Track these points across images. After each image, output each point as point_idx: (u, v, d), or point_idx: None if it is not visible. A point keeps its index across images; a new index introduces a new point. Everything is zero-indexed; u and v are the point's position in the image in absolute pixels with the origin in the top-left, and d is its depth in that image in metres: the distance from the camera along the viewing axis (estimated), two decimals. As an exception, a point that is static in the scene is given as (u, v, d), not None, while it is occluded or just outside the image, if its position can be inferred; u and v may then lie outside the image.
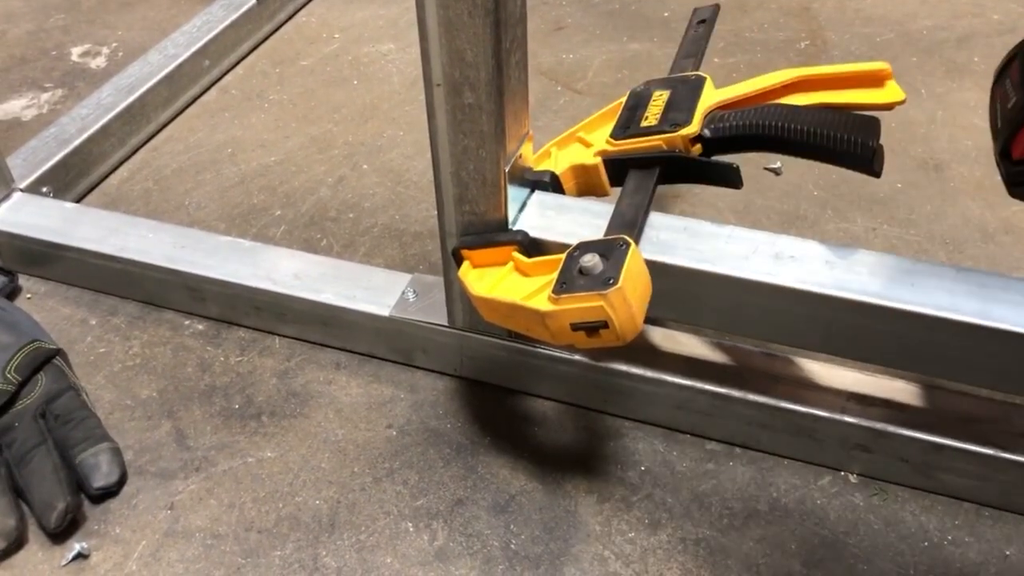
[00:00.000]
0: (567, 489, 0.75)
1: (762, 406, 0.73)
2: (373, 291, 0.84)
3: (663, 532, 0.71)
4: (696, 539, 0.71)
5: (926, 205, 1.02)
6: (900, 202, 1.03)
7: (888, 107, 0.71)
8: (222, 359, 0.87)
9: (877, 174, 0.66)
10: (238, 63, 1.33)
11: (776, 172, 1.07)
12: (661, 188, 0.73)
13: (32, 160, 1.02)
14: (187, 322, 0.91)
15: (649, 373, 0.75)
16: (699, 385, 0.74)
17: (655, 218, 0.70)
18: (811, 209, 1.02)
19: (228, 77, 1.30)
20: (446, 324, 0.80)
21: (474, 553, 0.71)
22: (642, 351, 0.77)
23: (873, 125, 0.66)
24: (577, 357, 0.77)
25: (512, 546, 0.71)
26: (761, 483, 0.74)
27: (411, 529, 0.72)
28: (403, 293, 0.84)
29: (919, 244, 0.97)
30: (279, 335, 0.89)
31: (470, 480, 0.76)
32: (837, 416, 0.72)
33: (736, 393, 0.73)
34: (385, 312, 0.82)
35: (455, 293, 0.77)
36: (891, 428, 0.71)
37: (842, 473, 0.75)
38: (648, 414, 0.78)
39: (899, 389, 0.73)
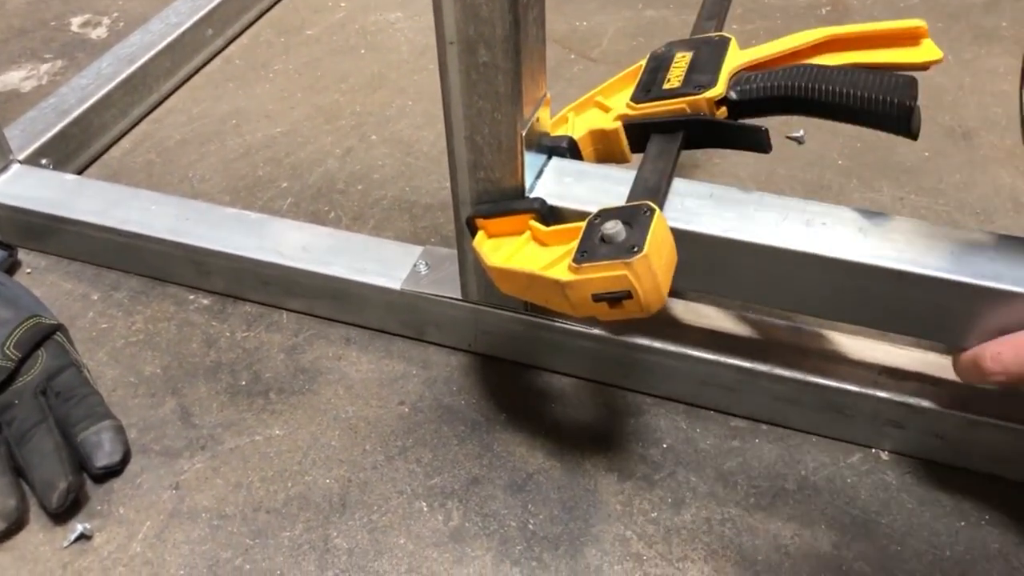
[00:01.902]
0: (586, 467, 0.72)
1: (789, 381, 0.70)
2: (384, 264, 0.81)
3: (687, 512, 0.69)
4: (722, 519, 0.68)
5: (955, 174, 0.98)
6: (928, 171, 0.99)
7: (924, 67, 0.68)
8: (228, 334, 0.84)
9: (915, 136, 0.63)
10: (242, 32, 1.29)
11: (799, 141, 1.03)
12: (681, 157, 0.69)
13: (31, 131, 0.99)
14: (191, 297, 0.88)
15: (671, 347, 0.72)
16: (724, 359, 0.71)
17: (679, 184, 0.67)
18: (836, 178, 0.98)
19: (232, 47, 1.27)
20: (459, 297, 0.78)
21: (491, 534, 0.68)
22: (664, 324, 0.74)
23: (910, 85, 0.63)
24: (596, 331, 0.74)
25: (530, 526, 0.68)
26: (789, 461, 0.72)
27: (425, 509, 0.70)
28: (415, 266, 0.81)
29: (948, 214, 0.94)
30: (287, 310, 0.86)
31: (486, 458, 0.73)
32: (868, 391, 0.69)
33: (762, 367, 0.70)
34: (396, 285, 0.79)
35: (469, 265, 0.74)
36: (925, 403, 0.68)
37: (873, 450, 0.72)
38: (670, 390, 0.75)
39: (934, 363, 0.70)
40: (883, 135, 0.65)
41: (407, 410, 0.77)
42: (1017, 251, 0.60)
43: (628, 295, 0.57)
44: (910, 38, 0.69)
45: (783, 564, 0.65)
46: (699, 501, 0.69)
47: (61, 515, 0.70)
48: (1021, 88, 0.59)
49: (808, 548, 0.66)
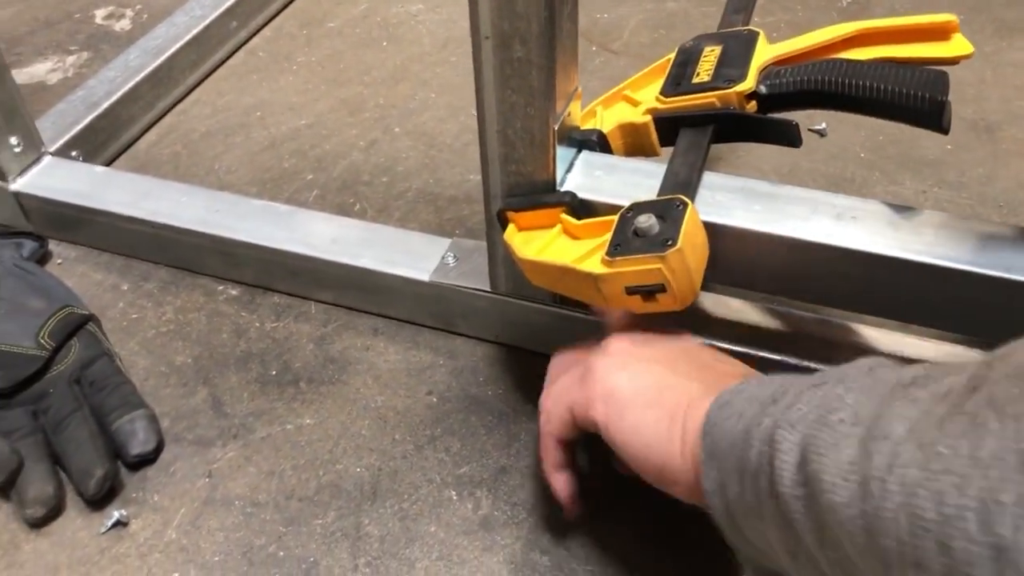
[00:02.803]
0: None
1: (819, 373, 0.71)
2: (412, 256, 0.82)
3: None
4: (748, 509, 0.69)
5: (977, 168, 0.99)
6: (950, 164, 0.99)
7: (954, 61, 0.68)
8: (257, 325, 0.86)
9: (946, 131, 0.63)
10: (265, 25, 1.30)
11: (821, 134, 1.04)
12: (707, 149, 0.70)
13: (61, 123, 1.00)
14: (220, 287, 0.89)
15: (700, 340, 0.73)
16: (752, 352, 0.72)
17: (710, 178, 0.67)
18: (858, 172, 0.99)
19: (255, 39, 1.28)
20: (488, 289, 0.78)
21: (520, 522, 0.69)
22: (691, 317, 0.75)
23: (941, 79, 0.63)
24: (624, 323, 0.75)
25: (559, 515, 0.69)
26: (814, 452, 0.72)
27: (455, 497, 0.71)
28: (443, 258, 0.81)
29: (971, 207, 0.94)
30: (315, 300, 0.87)
31: (513, 448, 0.74)
32: (896, 383, 0.69)
33: (791, 360, 0.71)
34: (425, 277, 0.80)
35: (498, 257, 0.75)
36: (952, 396, 0.68)
37: (898, 442, 0.72)
38: (697, 381, 0.76)
39: (964, 356, 0.71)
40: (905, 128, 0.65)
41: (435, 400, 0.78)
42: (1048, 246, 0.60)
43: (662, 288, 0.58)
44: (940, 32, 0.69)
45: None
46: (726, 491, 0.70)
47: (97, 502, 0.71)
48: None
49: (835, 538, 0.66)
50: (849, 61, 0.68)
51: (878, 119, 0.67)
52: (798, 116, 0.69)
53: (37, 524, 0.70)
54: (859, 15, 1.23)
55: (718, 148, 1.02)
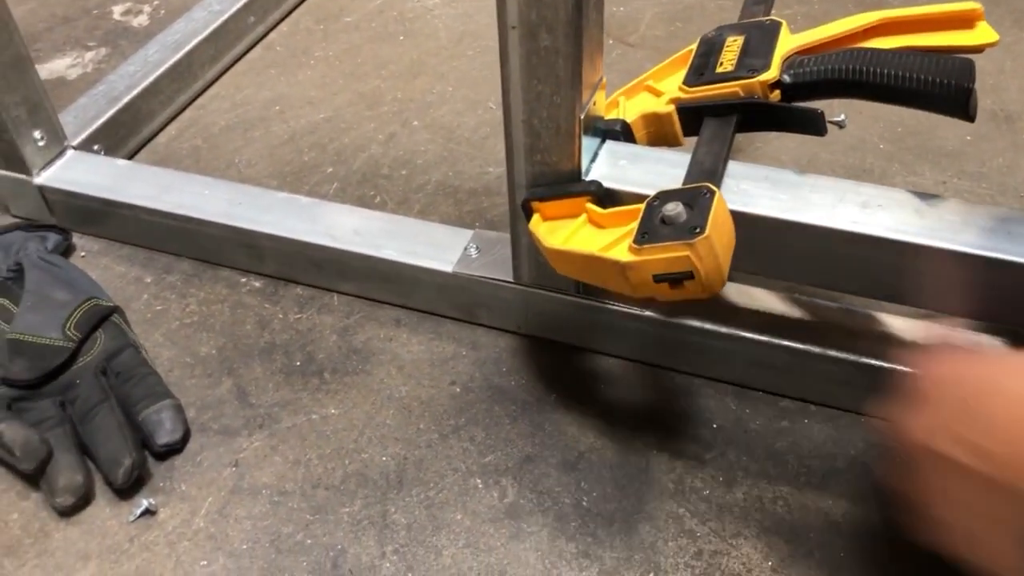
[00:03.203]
0: (637, 447, 0.73)
1: (842, 362, 0.71)
2: (435, 247, 0.82)
3: (739, 490, 0.70)
4: (773, 497, 0.69)
5: (997, 158, 0.99)
6: (970, 155, 0.99)
7: (979, 49, 0.68)
8: (280, 316, 0.86)
9: (972, 118, 0.63)
10: (282, 20, 1.30)
11: (840, 125, 1.03)
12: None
13: (83, 118, 1.01)
14: (243, 279, 0.90)
15: (723, 329, 0.73)
16: (776, 341, 0.72)
17: (734, 167, 0.68)
18: (878, 163, 0.99)
19: (272, 34, 1.28)
20: (511, 280, 0.79)
21: (545, 510, 0.69)
22: (716, 306, 0.75)
23: (967, 67, 0.63)
24: (648, 313, 0.75)
25: (584, 503, 0.69)
26: (839, 440, 0.72)
27: (480, 486, 0.71)
28: (465, 249, 0.82)
29: (991, 197, 0.94)
30: (337, 292, 0.88)
31: (538, 437, 0.74)
32: (920, 372, 0.69)
33: (815, 349, 0.71)
34: (448, 268, 0.80)
35: (522, 248, 0.75)
36: (978, 384, 0.68)
37: (922, 431, 0.73)
38: (721, 371, 0.76)
39: (987, 343, 0.71)
40: (923, 119, 0.66)
41: (458, 390, 0.78)
42: (1073, 233, 0.61)
43: (690, 275, 0.58)
44: (965, 21, 0.69)
45: (836, 541, 0.66)
46: (751, 480, 0.70)
47: (126, 491, 0.71)
48: None
49: (860, 524, 0.67)
50: (873, 50, 0.68)
51: (899, 108, 0.67)
52: (819, 107, 0.69)
53: (67, 513, 0.70)
54: (877, 6, 1.23)
55: (737, 140, 1.02)
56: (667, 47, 1.14)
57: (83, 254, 0.94)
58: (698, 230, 0.57)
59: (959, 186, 0.95)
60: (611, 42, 1.21)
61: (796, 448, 0.72)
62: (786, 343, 0.72)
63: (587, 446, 0.73)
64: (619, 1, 1.28)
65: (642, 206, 0.62)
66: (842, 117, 1.05)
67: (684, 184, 0.64)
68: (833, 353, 0.71)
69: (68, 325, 0.79)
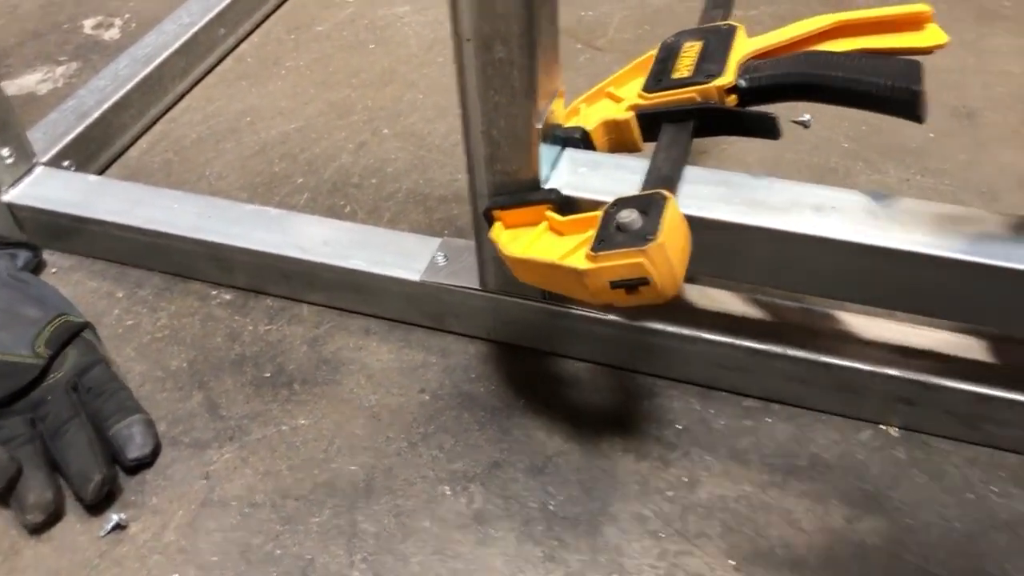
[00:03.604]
0: (603, 449, 0.74)
1: (802, 361, 0.72)
2: (403, 256, 0.83)
3: (702, 490, 0.71)
4: (736, 496, 0.70)
5: (960, 154, 1.00)
6: (933, 152, 1.00)
7: (928, 51, 0.69)
8: (251, 328, 0.87)
9: (921, 120, 0.64)
10: (253, 31, 1.31)
11: (805, 125, 1.05)
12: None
13: (52, 133, 1.01)
14: (214, 292, 0.90)
15: (685, 331, 0.74)
16: (737, 341, 0.73)
17: (691, 172, 0.69)
18: (842, 161, 1.00)
19: (244, 45, 1.29)
20: (478, 287, 0.79)
21: (512, 515, 0.70)
22: (678, 309, 0.76)
23: (915, 69, 0.64)
24: (612, 317, 0.76)
25: (550, 507, 0.70)
26: (800, 439, 0.73)
27: (448, 493, 0.72)
28: (433, 257, 0.83)
29: (954, 194, 0.95)
30: (307, 303, 0.88)
31: (505, 443, 0.75)
32: (879, 369, 0.70)
33: (775, 348, 0.72)
34: (416, 277, 0.81)
35: (487, 256, 0.76)
36: (935, 380, 0.69)
37: (883, 427, 0.74)
38: (685, 372, 0.77)
39: (943, 340, 0.72)
40: (887, 117, 0.66)
41: (428, 398, 0.79)
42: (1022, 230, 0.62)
43: (645, 281, 0.59)
44: (915, 23, 0.70)
45: (797, 539, 0.67)
46: (714, 480, 0.71)
47: (96, 506, 0.72)
48: None
49: (821, 523, 0.68)
50: (826, 53, 0.69)
51: (860, 110, 0.68)
52: (783, 107, 0.70)
53: (37, 530, 0.71)
54: (841, 6, 1.24)
55: (703, 141, 1.03)
56: (635, 50, 1.15)
57: (54, 270, 0.95)
58: (651, 237, 0.58)
59: (922, 183, 0.97)
60: (579, 46, 1.22)
61: (759, 447, 0.73)
62: (747, 343, 0.73)
63: (554, 450, 0.74)
64: (587, 5, 1.29)
65: (600, 213, 0.63)
66: (807, 117, 1.06)
67: (642, 190, 0.65)
68: (793, 352, 0.72)
69: (38, 342, 0.79)
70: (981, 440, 0.71)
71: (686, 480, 0.71)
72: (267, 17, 1.33)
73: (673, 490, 0.71)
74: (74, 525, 0.72)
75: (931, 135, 1.02)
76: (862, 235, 0.62)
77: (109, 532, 0.71)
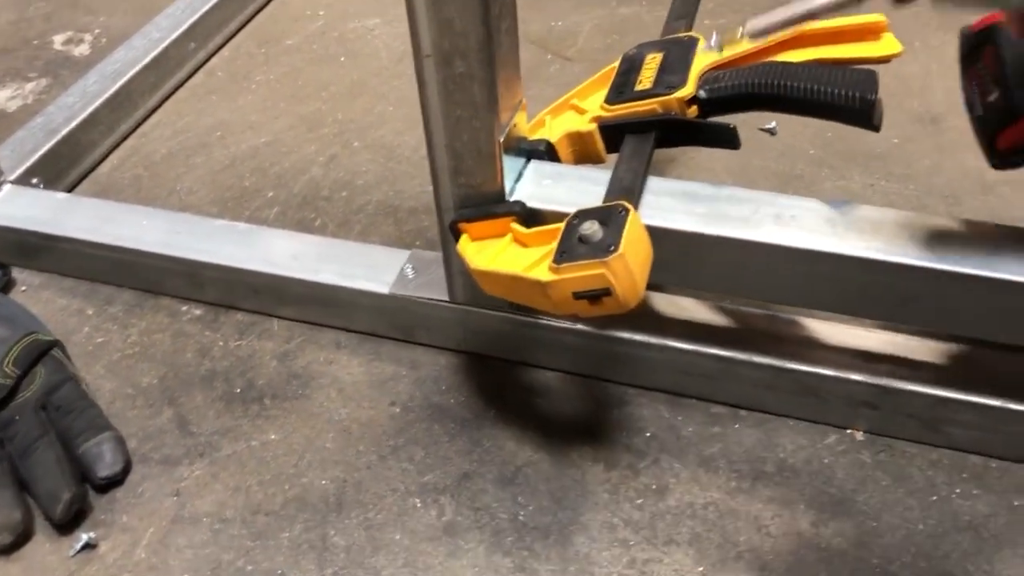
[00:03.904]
0: (573, 458, 0.75)
1: (767, 367, 0.73)
2: (372, 269, 0.83)
3: (671, 497, 0.71)
4: (704, 503, 0.71)
5: (924, 159, 1.01)
6: (897, 157, 1.02)
7: (885, 60, 0.70)
8: (221, 343, 0.87)
9: (876, 128, 0.65)
10: (223, 45, 1.31)
11: (771, 132, 1.06)
12: (657, 153, 0.72)
13: (20, 151, 1.01)
14: (184, 308, 0.91)
15: (653, 339, 0.75)
16: (703, 349, 0.74)
17: (653, 183, 0.69)
18: (808, 168, 1.01)
19: (214, 59, 1.29)
20: (447, 299, 0.80)
21: (483, 526, 0.70)
22: (645, 317, 0.77)
23: (871, 79, 0.65)
24: (580, 327, 0.77)
25: (520, 517, 0.71)
26: (768, 444, 0.74)
27: (419, 505, 0.72)
28: (402, 270, 0.83)
29: (918, 198, 0.96)
30: (278, 317, 0.88)
31: (476, 454, 0.76)
32: (843, 374, 0.71)
33: (740, 355, 0.73)
34: (385, 289, 0.81)
35: (455, 268, 0.77)
36: (897, 384, 0.70)
37: (848, 431, 0.75)
38: (653, 380, 0.78)
39: (904, 344, 0.73)
40: (851, 124, 0.67)
41: (398, 410, 0.80)
42: (980, 235, 0.63)
43: (607, 292, 0.59)
44: (871, 33, 0.71)
45: (764, 544, 0.68)
46: (682, 486, 0.72)
47: (66, 526, 0.72)
48: (963, 80, 0.62)
49: (788, 527, 0.68)
50: (784, 64, 0.70)
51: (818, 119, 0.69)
52: (749, 115, 0.71)
53: (5, 550, 0.71)
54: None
55: (670, 149, 1.04)
56: (605, 60, 1.16)
57: (24, 288, 0.94)
58: (612, 247, 0.59)
59: (886, 188, 0.98)
60: (549, 56, 1.22)
61: (727, 453, 0.74)
62: (714, 351, 0.74)
63: (524, 460, 0.75)
64: (557, 15, 1.30)
65: (563, 225, 0.64)
66: (773, 124, 1.07)
67: (604, 201, 0.66)
68: (759, 359, 0.73)
69: (7, 361, 0.79)
70: (943, 443, 0.72)
71: (655, 488, 0.72)
72: (237, 31, 1.33)
73: (642, 498, 0.71)
74: (43, 545, 0.71)
75: (895, 140, 1.04)
76: (820, 243, 0.63)
77: (79, 551, 0.71)
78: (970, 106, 0.61)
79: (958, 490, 0.70)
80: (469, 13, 0.59)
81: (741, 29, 0.67)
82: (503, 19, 0.62)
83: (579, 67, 1.20)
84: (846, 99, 0.65)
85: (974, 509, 0.69)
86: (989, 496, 0.70)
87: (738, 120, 0.69)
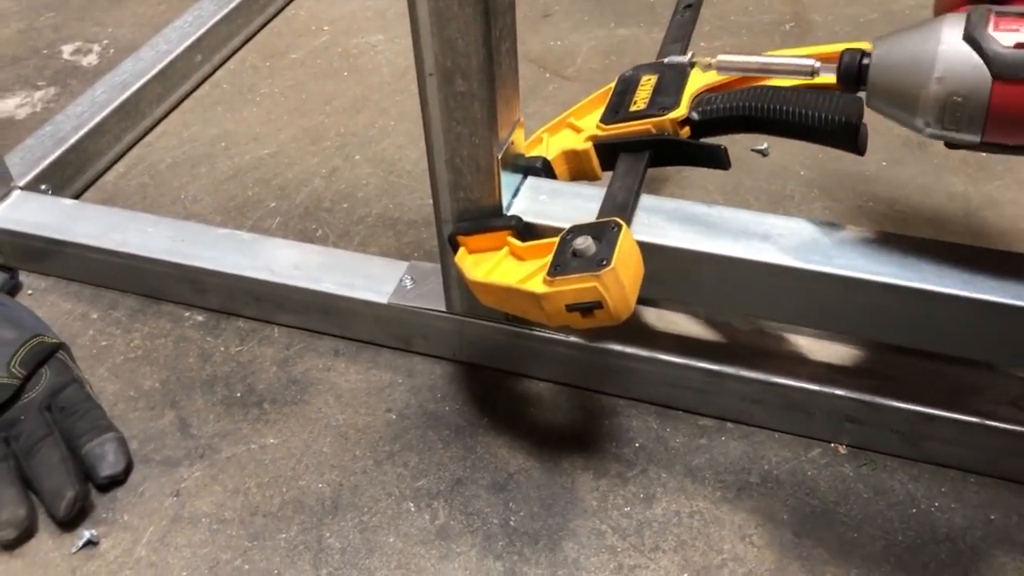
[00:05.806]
0: (564, 467, 0.77)
1: (754, 381, 0.75)
2: (371, 279, 0.86)
3: (658, 506, 0.73)
4: (690, 512, 0.73)
5: (910, 182, 1.04)
6: (885, 179, 1.04)
7: (871, 87, 0.73)
8: (222, 349, 0.89)
9: (861, 152, 0.68)
10: (229, 58, 1.33)
11: (763, 153, 1.09)
12: (651, 171, 0.74)
13: (30, 158, 1.03)
14: (187, 314, 0.93)
15: (643, 352, 0.77)
16: (692, 363, 0.76)
17: (646, 200, 0.72)
18: (798, 188, 1.04)
19: (219, 72, 1.31)
20: (444, 310, 0.82)
21: (474, 531, 0.72)
22: (636, 331, 0.79)
23: (857, 105, 0.68)
24: (573, 339, 0.79)
25: (511, 523, 0.73)
26: (753, 456, 0.76)
27: (412, 509, 0.74)
28: (401, 280, 0.85)
29: (904, 220, 0.99)
30: (278, 324, 0.90)
31: (469, 460, 0.78)
32: (827, 389, 0.74)
33: (728, 369, 0.75)
34: (384, 299, 0.84)
35: (452, 279, 0.79)
36: (881, 400, 0.73)
37: (832, 445, 0.77)
38: (642, 392, 0.80)
39: (888, 361, 0.75)
40: (840, 147, 0.70)
41: (394, 417, 0.82)
42: (960, 256, 0.65)
43: (599, 305, 0.62)
44: (858, 59, 0.74)
45: (748, 553, 0.70)
46: (669, 496, 0.74)
47: (68, 523, 0.74)
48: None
49: (771, 537, 0.70)
50: (774, 88, 0.73)
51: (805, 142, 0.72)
52: (741, 136, 0.74)
53: (9, 546, 0.72)
54: (801, 38, 1.29)
55: (666, 168, 1.06)
56: (603, 79, 1.18)
57: (30, 292, 0.96)
58: (605, 262, 0.61)
59: (874, 209, 1.00)
60: (548, 75, 1.25)
61: (713, 464, 0.76)
62: (703, 364, 0.76)
63: (516, 467, 0.77)
64: (556, 36, 1.33)
65: (557, 239, 0.66)
66: (765, 146, 1.10)
67: (598, 217, 0.68)
68: (746, 373, 0.75)
69: (13, 363, 0.80)
70: (923, 457, 0.75)
71: (643, 496, 0.74)
72: (243, 45, 1.36)
73: (630, 506, 0.73)
74: (46, 542, 0.73)
75: (884, 164, 1.06)
76: (804, 261, 0.66)
77: (81, 548, 0.72)
78: None
79: (937, 503, 0.72)
80: (471, 34, 0.61)
81: (711, 60, 0.70)
82: (503, 40, 0.65)
83: (577, 86, 1.22)
84: (832, 123, 0.68)
85: (952, 522, 0.71)
86: (967, 510, 0.72)
87: (731, 141, 0.72)
